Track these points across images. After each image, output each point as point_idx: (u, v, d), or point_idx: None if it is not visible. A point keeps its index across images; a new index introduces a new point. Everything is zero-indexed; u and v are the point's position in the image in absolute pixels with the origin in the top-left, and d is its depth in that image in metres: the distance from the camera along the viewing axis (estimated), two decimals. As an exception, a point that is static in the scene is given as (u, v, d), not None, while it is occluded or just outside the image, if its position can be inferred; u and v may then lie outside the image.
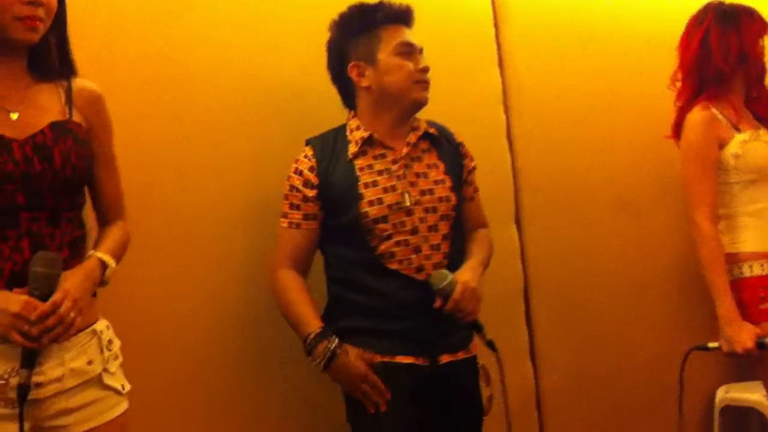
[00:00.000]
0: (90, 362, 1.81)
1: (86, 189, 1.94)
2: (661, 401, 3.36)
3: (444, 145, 2.47)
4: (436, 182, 2.39)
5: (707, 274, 2.63)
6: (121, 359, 1.91)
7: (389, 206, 2.32)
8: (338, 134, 2.43)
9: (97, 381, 1.83)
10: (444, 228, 2.38)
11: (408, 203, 2.33)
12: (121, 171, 2.04)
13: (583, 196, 3.26)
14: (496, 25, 3.15)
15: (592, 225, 3.26)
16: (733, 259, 2.67)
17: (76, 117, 1.88)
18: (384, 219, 2.32)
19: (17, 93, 1.82)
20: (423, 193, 2.36)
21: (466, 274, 2.32)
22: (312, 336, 2.28)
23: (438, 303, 2.27)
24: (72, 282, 1.73)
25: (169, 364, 2.44)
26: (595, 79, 3.31)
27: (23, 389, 1.66)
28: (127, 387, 1.90)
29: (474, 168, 2.56)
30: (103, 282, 1.86)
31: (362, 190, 2.33)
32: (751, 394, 3.22)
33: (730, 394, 3.36)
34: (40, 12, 1.77)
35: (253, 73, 2.65)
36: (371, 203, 2.32)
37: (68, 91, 1.90)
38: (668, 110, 2.93)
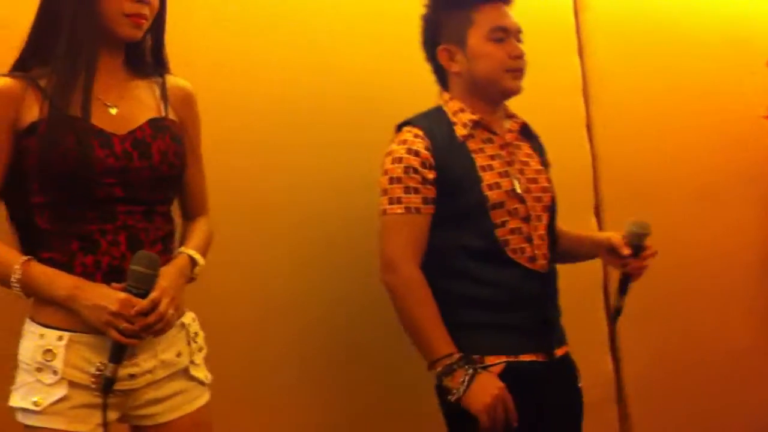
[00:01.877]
0: (179, 354, 1.84)
1: None
2: (745, 394, 3.30)
3: (533, 137, 2.37)
4: (537, 171, 2.28)
5: None
6: (205, 351, 1.93)
7: (506, 192, 2.17)
8: (437, 115, 2.25)
9: (184, 372, 1.85)
10: (545, 219, 2.25)
11: (519, 190, 2.19)
12: (206, 167, 2.05)
13: (664, 186, 3.22)
14: (576, 13, 3.13)
15: (673, 214, 3.21)
16: None
17: (171, 114, 1.91)
18: (502, 204, 2.16)
19: (116, 88, 1.85)
20: (531, 181, 2.24)
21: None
22: (454, 359, 2.07)
23: (627, 251, 2.25)
24: (168, 280, 1.75)
25: (249, 357, 2.45)
26: (677, 67, 3.27)
27: (108, 382, 1.69)
28: (209, 378, 1.93)
29: (548, 162, 2.42)
30: (191, 278, 1.88)
31: (480, 173, 2.17)
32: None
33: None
34: (146, 10, 1.80)
35: (331, 64, 2.63)
36: (490, 187, 2.16)
37: (163, 88, 1.92)
38: (756, 99, 2.86)
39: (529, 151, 2.32)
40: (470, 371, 2.05)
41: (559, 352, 2.22)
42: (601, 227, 3.08)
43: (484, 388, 2.05)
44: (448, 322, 2.13)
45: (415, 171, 2.16)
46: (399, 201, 2.17)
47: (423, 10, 2.32)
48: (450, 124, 2.22)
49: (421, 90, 2.40)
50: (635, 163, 3.17)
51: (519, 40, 2.27)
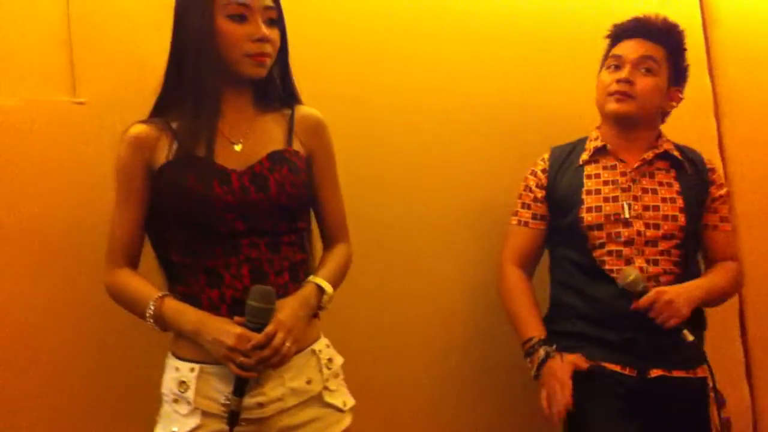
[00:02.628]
0: (309, 381, 1.87)
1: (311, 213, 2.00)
2: None
3: (686, 169, 2.41)
4: (664, 200, 2.35)
5: None
6: (342, 376, 1.95)
7: (606, 216, 2.33)
8: (580, 142, 2.49)
9: (318, 399, 1.88)
10: (664, 245, 2.32)
11: (627, 215, 2.32)
12: (344, 190, 2.08)
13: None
14: (704, 29, 3.04)
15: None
16: None
17: (296, 144, 1.95)
18: (599, 227, 2.33)
19: (242, 125, 1.91)
20: (647, 208, 2.33)
21: (673, 288, 2.23)
22: (534, 341, 2.32)
23: (635, 305, 2.23)
24: (285, 313, 1.79)
25: (392, 376, 2.50)
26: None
27: (233, 415, 1.75)
28: (350, 403, 1.94)
29: (722, 197, 2.44)
30: (321, 307, 1.91)
31: (584, 196, 2.37)
32: None
33: None
34: (268, 48, 1.85)
35: (470, 91, 2.70)
36: (589, 210, 2.35)
37: (290, 120, 1.97)
38: None
39: (667, 180, 2.38)
40: (543, 354, 2.28)
41: (656, 372, 2.26)
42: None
43: (551, 371, 2.26)
44: (552, 328, 2.37)
45: (529, 190, 2.47)
46: (516, 214, 2.49)
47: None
48: (582, 150, 2.45)
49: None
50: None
51: (647, 69, 2.37)
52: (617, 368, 2.27)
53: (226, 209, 1.79)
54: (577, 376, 2.25)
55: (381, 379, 2.45)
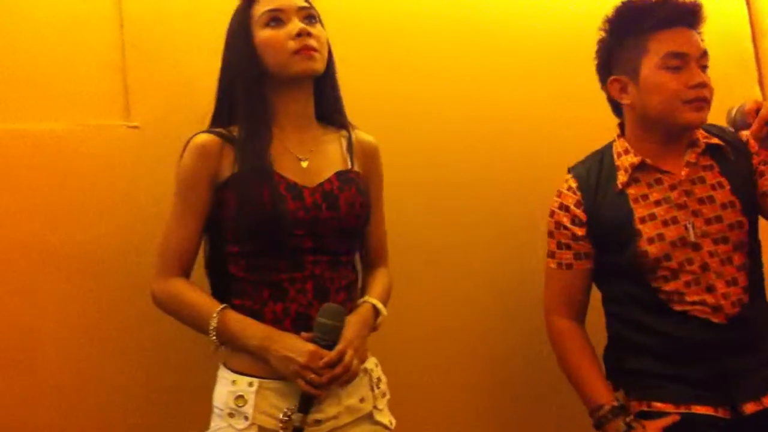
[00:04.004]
0: (362, 400, 1.88)
1: None
2: None
3: (727, 154, 2.11)
4: (723, 206, 2.05)
5: None
6: (388, 396, 1.96)
7: (671, 243, 2.02)
8: (603, 158, 2.16)
9: (368, 417, 1.89)
10: (739, 259, 2.05)
11: (693, 237, 2.02)
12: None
13: None
14: (754, 41, 3.01)
15: None
16: None
17: (357, 166, 1.97)
18: (667, 257, 2.02)
19: (308, 142, 1.93)
20: (710, 222, 2.04)
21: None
22: (606, 410, 2.05)
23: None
24: (353, 331, 1.81)
25: (430, 401, 2.48)
26: None
27: (297, 431, 1.75)
28: (394, 423, 1.95)
29: (764, 160, 2.09)
30: (374, 327, 1.92)
31: (639, 226, 2.05)
32: None
33: None
34: (312, 42, 1.85)
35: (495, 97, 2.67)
36: (651, 240, 2.03)
37: (349, 142, 1.99)
38: None
39: (717, 180, 2.08)
40: (623, 426, 2.01)
41: (751, 408, 1.99)
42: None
43: None
44: (618, 367, 2.13)
45: (565, 228, 2.14)
46: (552, 255, 2.18)
47: (599, 33, 2.18)
48: (612, 169, 2.12)
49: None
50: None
51: (703, 66, 2.07)
52: (710, 411, 2.00)
53: (296, 225, 1.81)
54: None
55: (422, 401, 2.44)
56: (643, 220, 2.06)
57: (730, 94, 2.84)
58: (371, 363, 1.93)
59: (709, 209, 2.05)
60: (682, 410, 2.01)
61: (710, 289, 2.02)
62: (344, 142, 1.99)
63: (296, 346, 1.75)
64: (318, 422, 1.80)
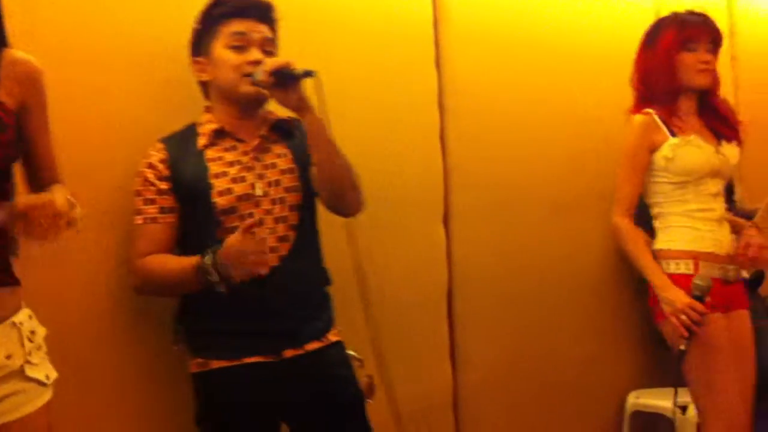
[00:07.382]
0: (9, 356, 1.77)
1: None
2: (583, 401, 3.43)
3: (293, 130, 2.42)
4: (283, 172, 2.36)
5: (632, 255, 2.81)
6: (45, 349, 1.86)
7: (238, 197, 2.29)
8: (189, 129, 2.40)
9: (19, 373, 1.79)
10: (293, 219, 2.35)
11: (259, 193, 2.31)
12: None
13: (515, 198, 3.30)
14: (435, 25, 3.15)
15: (522, 227, 3.31)
16: (662, 255, 2.82)
17: (3, 95, 1.78)
18: (233, 210, 2.29)
19: None
20: (271, 184, 2.34)
21: None
22: None
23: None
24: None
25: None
26: (533, 82, 3.36)
27: None
28: (53, 377, 1.86)
29: None
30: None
31: (212, 180, 2.30)
32: (660, 401, 3.33)
33: (641, 399, 3.46)
34: None
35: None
36: (221, 193, 2.29)
37: None
38: (606, 116, 2.97)
39: (282, 151, 2.40)
40: None
41: (290, 352, 2.29)
42: (449, 238, 3.14)
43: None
44: (196, 329, 2.32)
45: (152, 184, 2.31)
46: (139, 212, 2.31)
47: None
48: (197, 135, 2.37)
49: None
50: (487, 175, 3.23)
51: (267, 51, 2.36)
52: (255, 359, 2.27)
53: None
54: None
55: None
56: (216, 176, 2.31)
57: (408, 72, 3.04)
58: (23, 315, 1.83)
59: (272, 173, 2.35)
60: (235, 363, 2.26)
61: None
62: None
63: None
64: None
